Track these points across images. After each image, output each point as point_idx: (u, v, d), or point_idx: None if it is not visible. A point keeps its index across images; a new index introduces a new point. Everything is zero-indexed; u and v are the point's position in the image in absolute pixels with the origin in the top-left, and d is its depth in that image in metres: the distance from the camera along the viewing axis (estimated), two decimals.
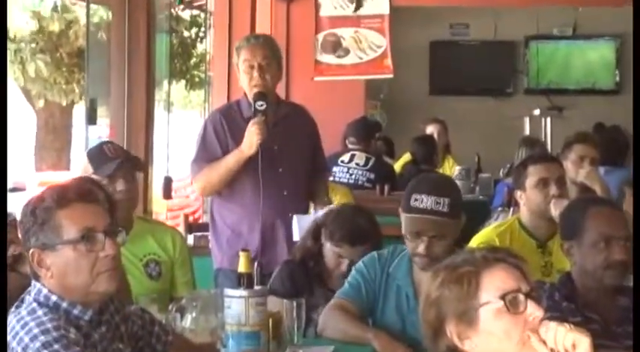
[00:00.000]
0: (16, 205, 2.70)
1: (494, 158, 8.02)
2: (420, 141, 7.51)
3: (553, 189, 3.68)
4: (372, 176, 6.40)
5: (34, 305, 2.26)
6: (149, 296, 3.16)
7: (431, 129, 7.97)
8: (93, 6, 8.61)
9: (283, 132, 4.13)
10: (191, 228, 5.31)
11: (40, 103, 13.67)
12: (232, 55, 4.26)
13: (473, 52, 10.89)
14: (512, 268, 2.06)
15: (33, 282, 2.30)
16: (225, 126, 4.13)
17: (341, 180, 6.26)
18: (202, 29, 13.05)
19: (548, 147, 8.40)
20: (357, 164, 6.43)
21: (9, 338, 2.22)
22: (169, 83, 10.17)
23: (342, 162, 6.42)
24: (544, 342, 1.98)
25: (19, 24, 12.09)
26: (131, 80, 5.25)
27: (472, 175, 7.53)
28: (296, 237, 3.92)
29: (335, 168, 6.24)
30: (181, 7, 10.77)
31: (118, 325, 2.39)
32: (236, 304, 2.73)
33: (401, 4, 7.22)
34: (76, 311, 2.27)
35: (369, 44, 6.75)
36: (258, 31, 6.83)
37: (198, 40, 13.75)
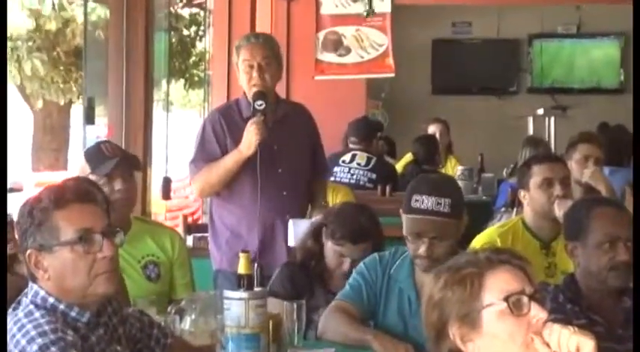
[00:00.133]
0: (13, 206, 2.69)
1: (497, 158, 8.02)
2: (421, 141, 7.50)
3: (557, 190, 3.67)
4: (374, 176, 6.38)
5: (31, 307, 2.25)
6: (148, 298, 3.14)
7: (433, 129, 7.97)
8: (90, 4, 8.60)
9: (283, 131, 4.11)
10: (190, 229, 5.31)
11: (39, 104, 13.65)
12: (232, 53, 4.25)
13: (476, 50, 10.87)
14: (516, 269, 2.05)
15: (30, 284, 2.29)
16: (225, 126, 4.11)
17: (342, 180, 6.24)
18: (202, 28, 13.05)
19: (552, 146, 8.39)
20: (358, 164, 6.41)
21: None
22: (168, 82, 10.18)
23: (343, 162, 6.40)
24: (548, 345, 1.97)
25: (16, 22, 12.07)
26: (129, 79, 5.24)
27: (475, 175, 7.54)
28: (291, 242, 3.91)
29: (336, 169, 6.23)
30: (181, 5, 10.77)
31: (116, 327, 2.38)
32: (236, 306, 2.71)
33: (403, 2, 7.21)
34: (73, 314, 2.26)
35: (370, 43, 6.73)
36: (258, 29, 6.82)
37: (198, 38, 13.75)
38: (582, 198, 3.90)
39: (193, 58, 13.97)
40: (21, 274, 2.53)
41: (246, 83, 4.09)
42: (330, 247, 3.48)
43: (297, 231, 3.86)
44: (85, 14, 7.79)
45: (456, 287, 2.04)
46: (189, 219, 7.53)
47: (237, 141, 4.01)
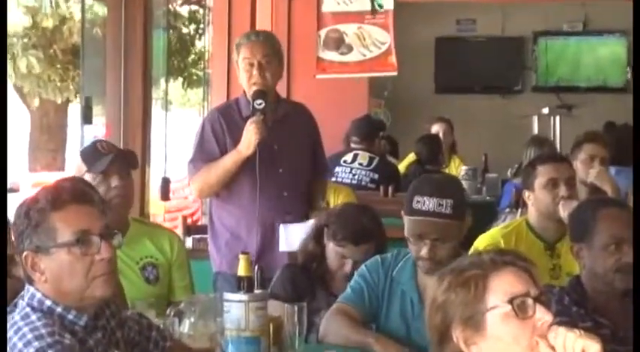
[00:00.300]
0: (9, 206, 2.66)
1: (501, 158, 7.98)
2: (425, 141, 7.48)
3: (562, 190, 3.66)
4: (376, 176, 6.36)
5: (28, 309, 2.23)
6: (146, 300, 3.13)
7: (436, 129, 7.96)
8: (88, 1, 8.57)
9: (283, 131, 4.09)
10: (189, 230, 5.31)
11: (36, 102, 13.62)
12: (232, 52, 4.24)
13: (480, 48, 10.83)
14: (520, 271, 2.04)
15: (26, 286, 2.28)
16: (224, 125, 4.09)
17: (344, 180, 6.22)
18: (201, 25, 13.05)
19: (558, 146, 8.35)
20: (360, 164, 6.39)
21: None
22: (167, 81, 10.17)
23: (345, 162, 6.37)
24: (553, 348, 1.95)
25: (12, 19, 12.05)
26: (127, 78, 5.22)
27: (479, 175, 7.53)
28: (282, 247, 3.90)
29: (337, 169, 6.21)
30: (179, 2, 10.75)
31: (114, 330, 2.36)
32: (235, 308, 2.70)
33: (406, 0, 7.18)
34: (70, 316, 2.24)
35: (372, 41, 6.70)
36: (259, 27, 6.79)
37: (197, 36, 13.73)
38: (588, 198, 3.90)
39: (192, 57, 13.94)
40: (17, 276, 2.51)
41: (246, 82, 4.07)
42: (331, 248, 3.47)
43: (288, 235, 3.85)
44: (83, 11, 7.76)
45: (460, 289, 2.02)
46: (189, 220, 7.51)
47: (236, 140, 3.99)
